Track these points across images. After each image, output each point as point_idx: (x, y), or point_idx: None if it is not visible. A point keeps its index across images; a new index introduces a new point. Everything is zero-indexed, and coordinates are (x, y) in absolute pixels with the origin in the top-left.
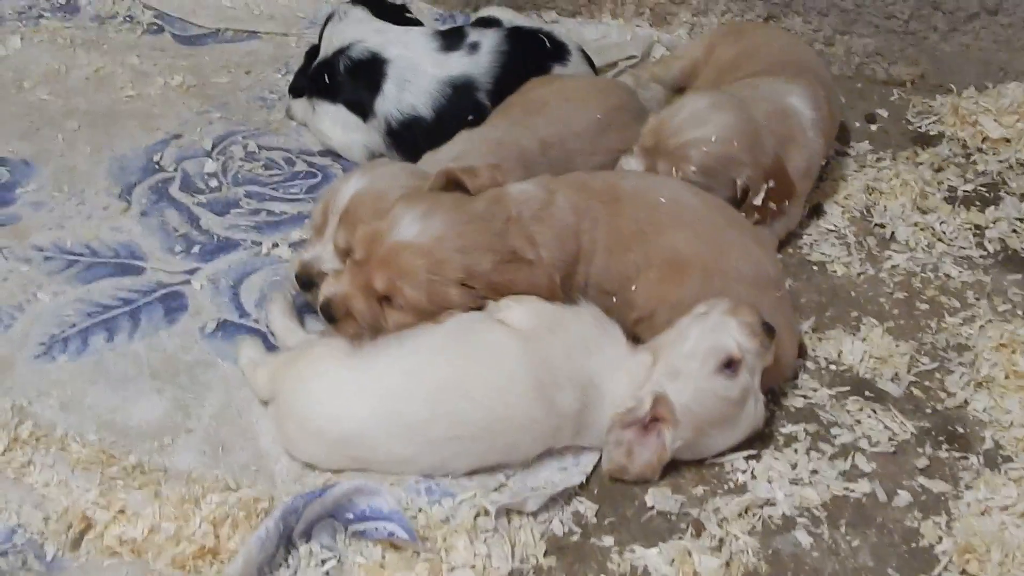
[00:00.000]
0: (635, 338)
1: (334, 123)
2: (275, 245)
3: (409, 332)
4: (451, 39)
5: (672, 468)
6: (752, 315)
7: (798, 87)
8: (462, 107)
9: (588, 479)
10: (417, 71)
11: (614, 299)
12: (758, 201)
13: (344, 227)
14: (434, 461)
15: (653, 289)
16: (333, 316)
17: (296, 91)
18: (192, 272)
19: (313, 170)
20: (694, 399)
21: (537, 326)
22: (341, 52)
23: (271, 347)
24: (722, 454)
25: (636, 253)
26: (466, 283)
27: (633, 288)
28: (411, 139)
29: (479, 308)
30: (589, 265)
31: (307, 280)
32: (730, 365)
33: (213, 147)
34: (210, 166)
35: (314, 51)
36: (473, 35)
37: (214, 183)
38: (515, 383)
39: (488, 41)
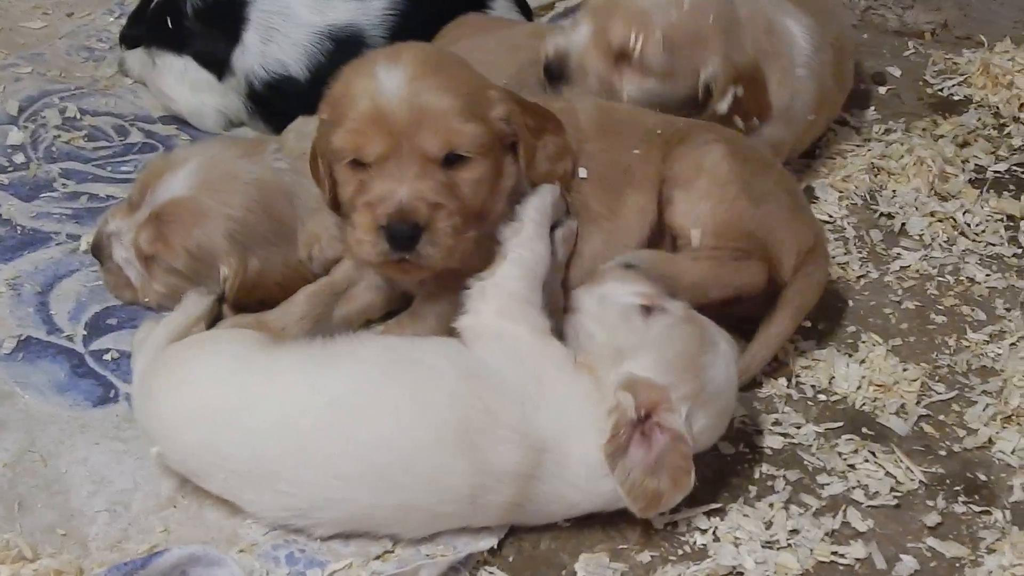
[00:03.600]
0: None
1: (180, 82)
2: None
3: (352, 337)
4: None
5: (612, 528)
6: (613, 272)
7: (803, 14)
8: None
9: (501, 543)
10: (288, 17)
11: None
12: (722, 108)
13: (151, 230)
14: (303, 498)
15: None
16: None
17: (131, 40)
18: None
19: (152, 141)
20: (657, 354)
21: (499, 355)
22: None
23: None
24: (676, 509)
25: None
26: None
27: None
28: (279, 105)
29: None
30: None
31: (99, 255)
32: (648, 312)
33: (20, 112)
34: (15, 136)
35: None
36: None
37: (19, 158)
38: (433, 419)
39: None
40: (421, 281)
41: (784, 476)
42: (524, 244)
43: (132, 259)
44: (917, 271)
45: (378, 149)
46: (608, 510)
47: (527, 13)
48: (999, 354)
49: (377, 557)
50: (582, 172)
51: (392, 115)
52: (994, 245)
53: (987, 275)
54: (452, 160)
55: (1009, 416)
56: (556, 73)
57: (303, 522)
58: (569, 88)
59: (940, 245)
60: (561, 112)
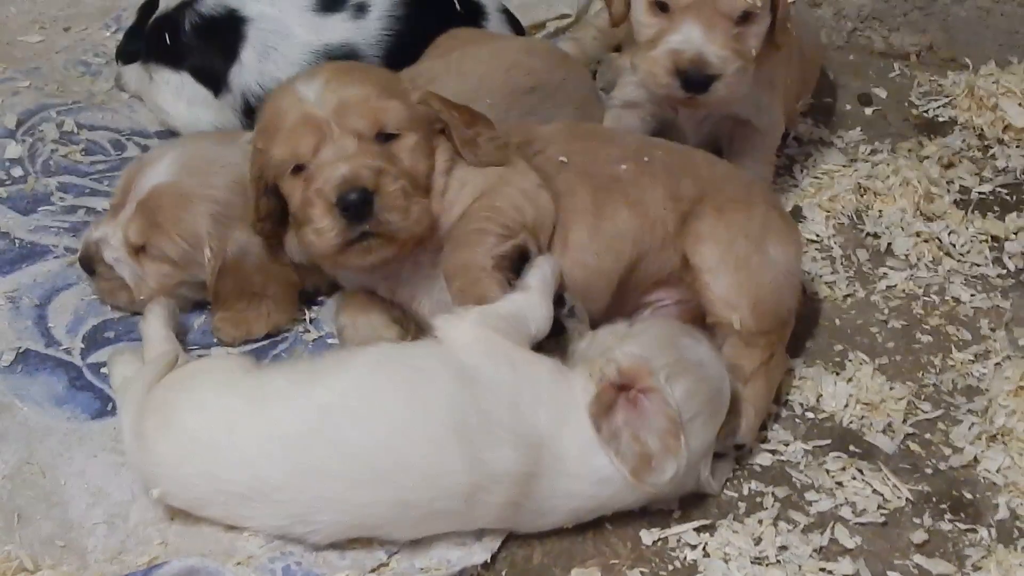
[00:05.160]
0: None
1: (176, 96)
2: None
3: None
4: None
5: (604, 543)
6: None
7: None
8: None
9: (494, 558)
10: (285, 36)
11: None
12: None
13: (139, 220)
14: (302, 503)
15: None
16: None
17: (128, 55)
18: None
19: None
20: (637, 340)
21: (483, 359)
22: (187, 5)
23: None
24: (667, 524)
25: None
26: None
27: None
28: None
29: None
30: None
31: (88, 265)
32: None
33: (18, 125)
34: (13, 150)
35: (152, 4)
36: None
37: (17, 172)
38: (429, 418)
39: (380, 2)
40: (390, 268)
41: (773, 493)
42: (522, 296)
43: (123, 257)
44: (903, 291)
45: (312, 141)
46: (607, 507)
47: (519, 33)
48: (984, 373)
49: (372, 570)
50: (562, 158)
51: (317, 112)
52: (979, 265)
53: (972, 295)
54: (385, 138)
55: (994, 435)
56: (699, 80)
57: (302, 528)
58: (717, 85)
59: (926, 265)
60: (517, 126)
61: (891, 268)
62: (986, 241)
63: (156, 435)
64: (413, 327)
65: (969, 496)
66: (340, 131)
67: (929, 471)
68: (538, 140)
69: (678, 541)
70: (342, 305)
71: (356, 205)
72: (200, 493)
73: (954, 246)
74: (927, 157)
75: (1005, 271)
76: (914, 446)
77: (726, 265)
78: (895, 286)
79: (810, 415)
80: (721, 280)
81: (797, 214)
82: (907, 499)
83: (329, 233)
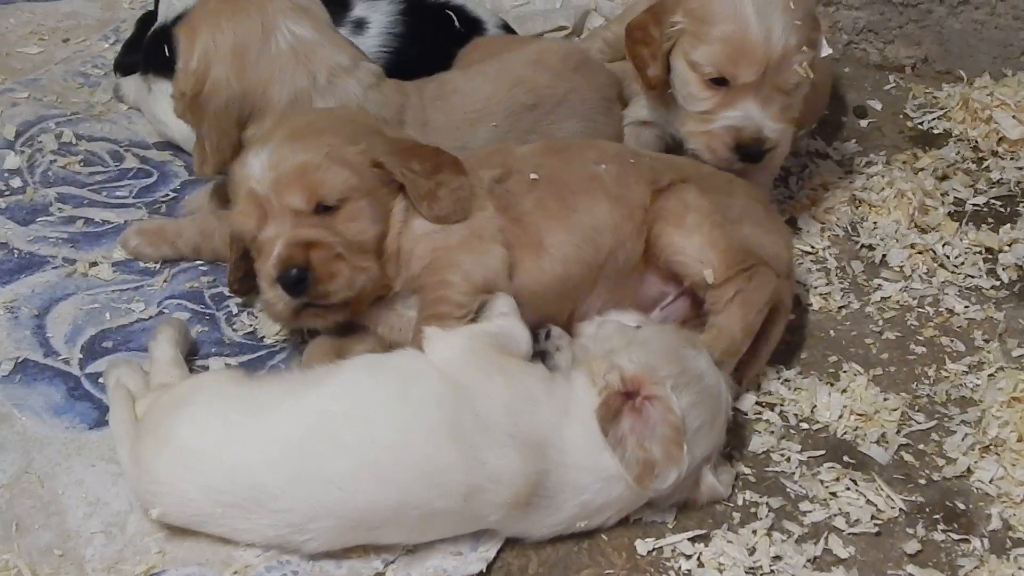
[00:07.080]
0: None
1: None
2: (94, 264)
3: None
4: (330, 13)
5: (599, 553)
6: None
7: None
8: None
9: (490, 567)
10: None
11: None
12: None
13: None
14: (299, 512)
15: None
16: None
17: (126, 66)
18: None
19: (147, 167)
20: (642, 348)
21: (473, 371)
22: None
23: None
24: (662, 534)
25: None
26: None
27: None
28: None
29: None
30: None
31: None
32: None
33: (17, 136)
34: (12, 160)
35: (150, 16)
36: (360, 8)
37: (16, 183)
38: (421, 415)
39: (379, 18)
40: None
41: (767, 503)
42: (502, 319)
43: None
44: (897, 302)
45: (256, 216)
46: (611, 505)
47: None
48: (977, 384)
49: None
50: (533, 175)
51: (259, 189)
52: (973, 277)
53: (966, 307)
54: (327, 208)
55: (987, 446)
56: (758, 153)
57: (300, 537)
58: (772, 154)
59: (920, 277)
60: (496, 152)
61: (885, 280)
62: (980, 253)
63: (153, 454)
64: None
65: (962, 507)
66: (279, 206)
67: (922, 482)
68: (514, 163)
69: (673, 551)
70: (309, 355)
71: (293, 282)
72: (199, 509)
73: (948, 258)
74: (922, 169)
75: (999, 283)
76: (908, 457)
77: (701, 228)
78: (889, 297)
79: (804, 426)
80: (694, 239)
81: (792, 226)
82: (900, 509)
83: (277, 305)
